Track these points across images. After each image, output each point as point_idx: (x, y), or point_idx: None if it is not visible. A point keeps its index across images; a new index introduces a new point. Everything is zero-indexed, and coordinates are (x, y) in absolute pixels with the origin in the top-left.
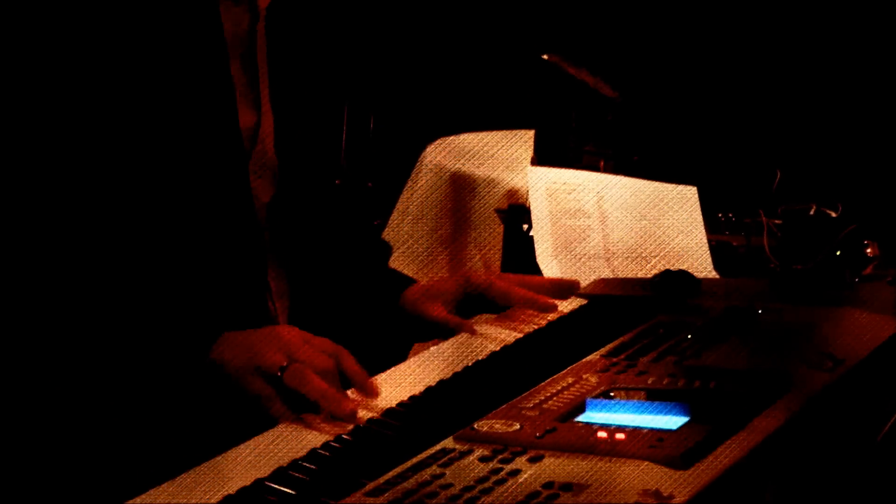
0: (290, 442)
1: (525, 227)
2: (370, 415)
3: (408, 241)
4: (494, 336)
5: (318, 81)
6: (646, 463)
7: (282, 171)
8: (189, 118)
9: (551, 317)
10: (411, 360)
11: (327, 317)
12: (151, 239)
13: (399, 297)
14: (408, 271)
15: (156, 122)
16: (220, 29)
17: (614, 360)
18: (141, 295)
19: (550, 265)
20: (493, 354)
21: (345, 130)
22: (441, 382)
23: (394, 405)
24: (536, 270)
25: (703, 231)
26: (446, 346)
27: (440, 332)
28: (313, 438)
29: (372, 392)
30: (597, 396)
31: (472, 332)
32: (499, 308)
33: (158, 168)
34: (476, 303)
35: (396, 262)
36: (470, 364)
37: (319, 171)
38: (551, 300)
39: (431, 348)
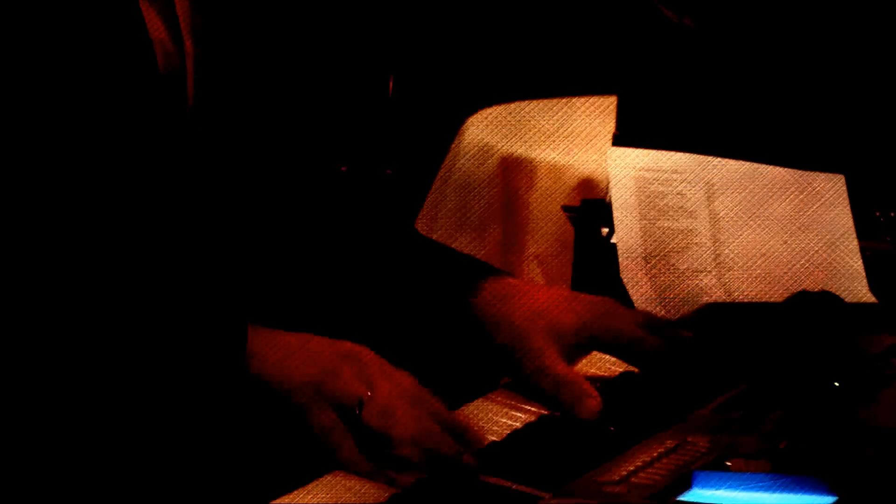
0: None
1: (604, 230)
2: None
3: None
4: None
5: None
6: None
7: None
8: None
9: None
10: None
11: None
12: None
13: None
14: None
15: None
16: None
17: (731, 415)
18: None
19: (639, 283)
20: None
21: (352, 97)
22: (493, 445)
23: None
24: (618, 289)
25: (854, 237)
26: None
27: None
28: None
29: (476, 441)
30: (708, 466)
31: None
32: None
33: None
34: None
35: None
36: (532, 420)
37: (287, 151)
38: None
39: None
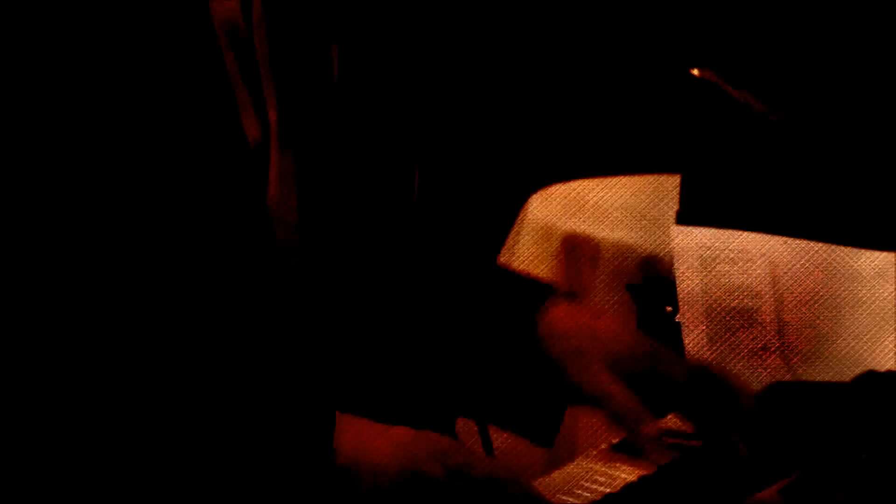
0: None
1: (668, 308)
2: None
3: None
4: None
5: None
6: None
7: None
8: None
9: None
10: None
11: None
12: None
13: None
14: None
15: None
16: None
17: (796, 498)
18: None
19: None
20: (630, 487)
21: (416, 183)
22: None
23: None
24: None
25: None
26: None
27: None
28: None
29: None
30: None
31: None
32: None
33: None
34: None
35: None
36: (598, 499)
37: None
38: None
39: None
